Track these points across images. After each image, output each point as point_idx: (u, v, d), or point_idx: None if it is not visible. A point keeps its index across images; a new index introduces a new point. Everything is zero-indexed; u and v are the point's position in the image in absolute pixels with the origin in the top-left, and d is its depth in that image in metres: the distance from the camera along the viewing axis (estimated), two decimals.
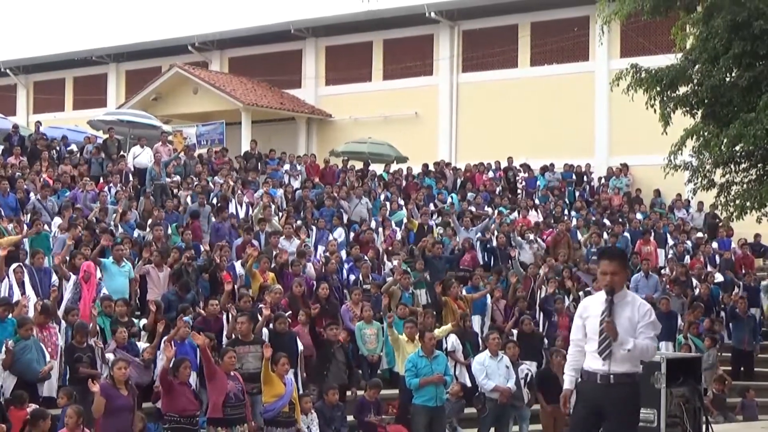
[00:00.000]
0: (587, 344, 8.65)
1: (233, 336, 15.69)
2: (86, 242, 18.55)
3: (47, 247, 18.42)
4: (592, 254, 24.26)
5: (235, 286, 18.14)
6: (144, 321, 16.51)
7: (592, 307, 8.76)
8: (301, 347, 16.52)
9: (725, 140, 15.22)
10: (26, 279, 16.54)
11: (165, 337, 14.79)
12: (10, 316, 14.72)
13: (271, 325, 16.22)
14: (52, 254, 17.76)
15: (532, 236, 24.76)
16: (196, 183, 25.46)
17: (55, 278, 17.04)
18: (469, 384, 17.41)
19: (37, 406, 13.11)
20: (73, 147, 28.50)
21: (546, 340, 19.52)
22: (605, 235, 26.05)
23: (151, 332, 15.80)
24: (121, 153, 28.21)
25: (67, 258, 17.57)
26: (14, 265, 16.52)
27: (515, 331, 18.93)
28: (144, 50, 46.19)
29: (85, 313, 15.83)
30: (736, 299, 22.42)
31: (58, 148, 28.43)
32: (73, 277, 16.88)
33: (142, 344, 15.55)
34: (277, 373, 14.28)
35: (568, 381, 8.86)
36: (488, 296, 20.63)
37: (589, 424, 8.58)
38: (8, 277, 16.25)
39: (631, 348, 8.35)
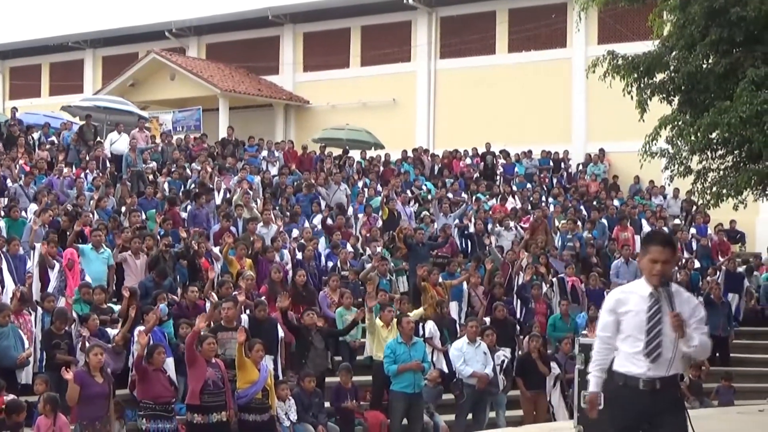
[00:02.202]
0: (623, 343, 7.41)
1: (213, 322, 15.73)
2: (65, 228, 18.50)
3: (28, 234, 18.28)
4: (568, 240, 24.37)
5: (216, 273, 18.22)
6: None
7: (631, 301, 7.41)
8: (282, 334, 16.46)
9: (701, 128, 15.23)
10: (3, 266, 16.46)
11: (140, 327, 14.72)
12: None
13: (248, 312, 16.22)
14: (22, 241, 17.61)
15: (512, 223, 24.80)
16: (174, 169, 25.38)
17: (29, 265, 16.97)
18: (446, 370, 17.42)
19: (14, 397, 13.04)
20: (54, 139, 28.33)
21: (519, 327, 19.57)
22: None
23: (125, 319, 15.75)
24: (98, 139, 28.07)
25: (35, 243, 17.47)
26: None
27: (487, 319, 18.94)
28: (121, 36, 45.96)
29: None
30: (712, 285, 22.53)
31: (36, 135, 28.30)
32: (57, 265, 16.80)
33: (112, 331, 15.47)
34: (252, 359, 14.24)
35: (595, 383, 7.58)
36: (464, 282, 20.66)
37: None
38: None
39: (696, 345, 7.25)
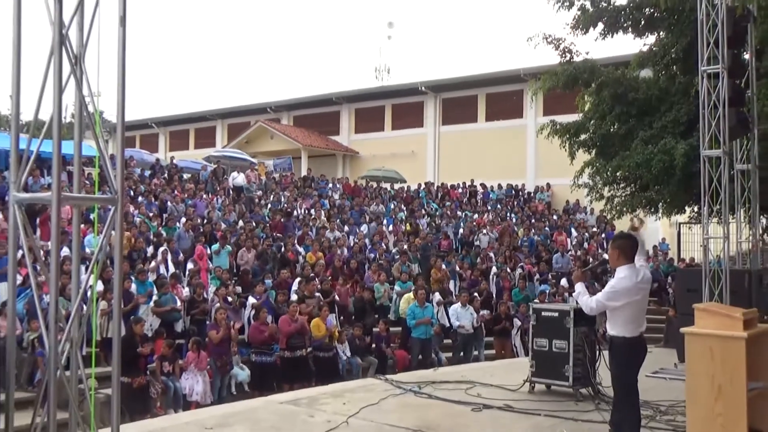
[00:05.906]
0: None
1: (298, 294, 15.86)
2: (204, 233, 18.63)
3: (177, 236, 18.43)
4: (524, 242, 24.24)
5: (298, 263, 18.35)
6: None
7: None
8: (338, 299, 16.52)
9: (609, 169, 15.21)
10: (169, 257, 16.65)
11: (252, 299, 14.95)
12: (149, 279, 14.83)
13: (319, 286, 16.29)
14: (176, 240, 17.77)
15: (485, 230, 24.74)
16: (272, 196, 25.49)
17: (181, 256, 17.16)
18: (447, 324, 17.39)
19: (170, 340, 13.19)
20: (185, 175, 28.51)
21: (495, 297, 19.48)
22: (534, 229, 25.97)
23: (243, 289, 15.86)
24: (225, 176, 28.24)
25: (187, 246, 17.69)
26: (161, 249, 16.64)
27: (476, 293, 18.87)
28: (239, 111, 46.21)
29: (203, 278, 15.93)
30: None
31: (183, 175, 28.49)
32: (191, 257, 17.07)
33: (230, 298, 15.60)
34: (321, 316, 14.37)
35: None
36: (457, 268, 20.62)
37: None
38: (158, 257, 16.42)
39: (575, 296, 6.39)
